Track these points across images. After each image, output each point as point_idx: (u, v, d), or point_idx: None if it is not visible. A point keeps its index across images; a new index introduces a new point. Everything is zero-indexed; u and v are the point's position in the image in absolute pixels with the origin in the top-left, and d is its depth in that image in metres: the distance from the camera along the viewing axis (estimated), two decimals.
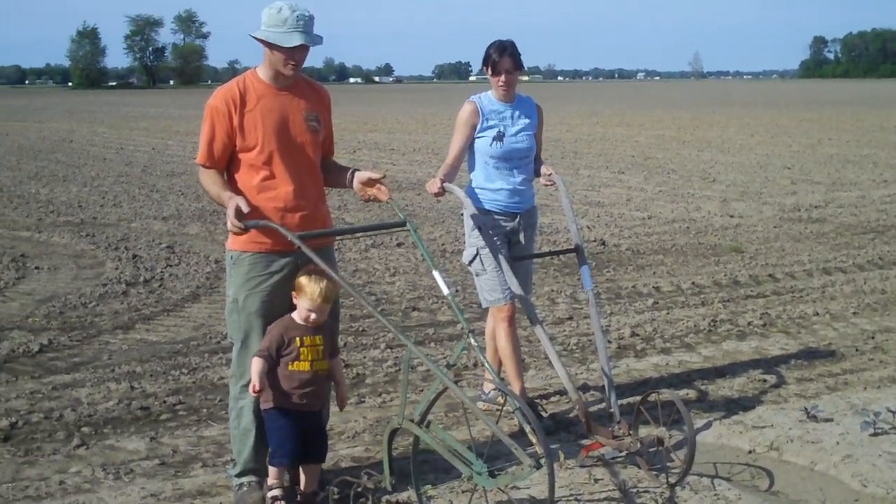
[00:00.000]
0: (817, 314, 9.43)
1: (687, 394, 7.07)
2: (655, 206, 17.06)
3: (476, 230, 6.30)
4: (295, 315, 5.07)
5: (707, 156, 26.75)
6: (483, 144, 6.43)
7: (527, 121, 6.51)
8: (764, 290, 10.57)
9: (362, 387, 7.33)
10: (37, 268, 11.74)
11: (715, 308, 9.73)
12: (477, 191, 6.48)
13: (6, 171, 23.09)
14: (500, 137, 6.40)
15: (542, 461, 4.28)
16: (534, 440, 4.40)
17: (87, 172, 22.95)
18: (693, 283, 10.87)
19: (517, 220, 6.50)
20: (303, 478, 5.24)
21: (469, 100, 6.52)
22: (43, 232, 14.51)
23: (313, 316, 5.01)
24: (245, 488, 5.30)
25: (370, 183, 5.40)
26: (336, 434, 6.31)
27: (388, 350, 8.20)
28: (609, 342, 8.39)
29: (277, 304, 5.22)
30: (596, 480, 5.56)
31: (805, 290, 10.52)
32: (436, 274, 5.05)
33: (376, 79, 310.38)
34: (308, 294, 4.99)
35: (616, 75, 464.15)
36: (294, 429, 5.07)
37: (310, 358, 5.03)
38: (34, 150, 29.56)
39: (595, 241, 13.50)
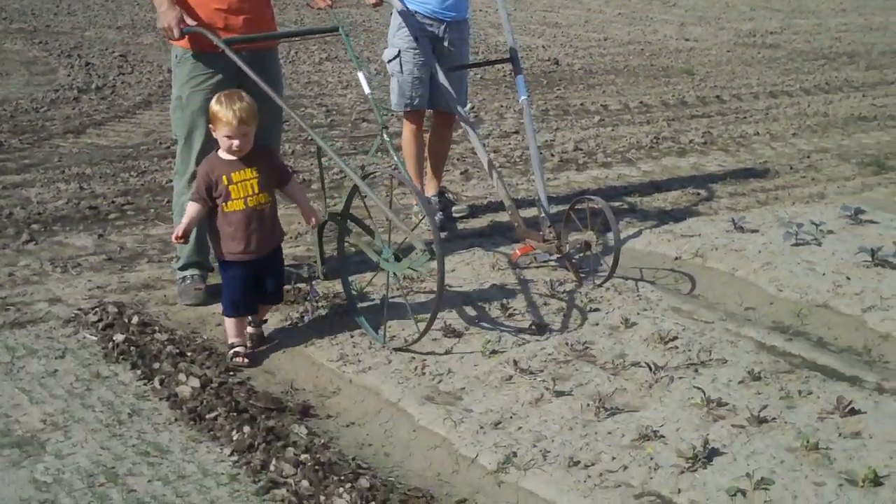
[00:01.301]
0: (758, 134, 9.64)
1: (621, 205, 7.30)
2: (613, 29, 17.04)
3: (401, 30, 6.38)
4: (220, 151, 4.78)
5: None
6: None
7: None
8: (709, 110, 10.75)
9: (308, 192, 7.48)
10: None
11: (659, 126, 9.90)
12: None
13: None
14: None
15: (434, 247, 4.57)
16: (431, 230, 4.67)
17: None
18: (641, 102, 11.02)
19: (443, 27, 6.47)
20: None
21: None
22: None
23: (235, 143, 4.65)
24: (188, 281, 5.51)
25: None
26: None
27: (340, 157, 8.31)
28: (552, 155, 8.58)
29: None
30: (526, 281, 5.80)
31: (749, 111, 10.71)
32: (360, 75, 5.27)
33: None
34: (223, 120, 4.62)
35: None
36: (244, 281, 4.81)
37: (242, 195, 4.70)
38: None
39: (549, 60, 13.54)
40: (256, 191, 4.72)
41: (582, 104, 10.83)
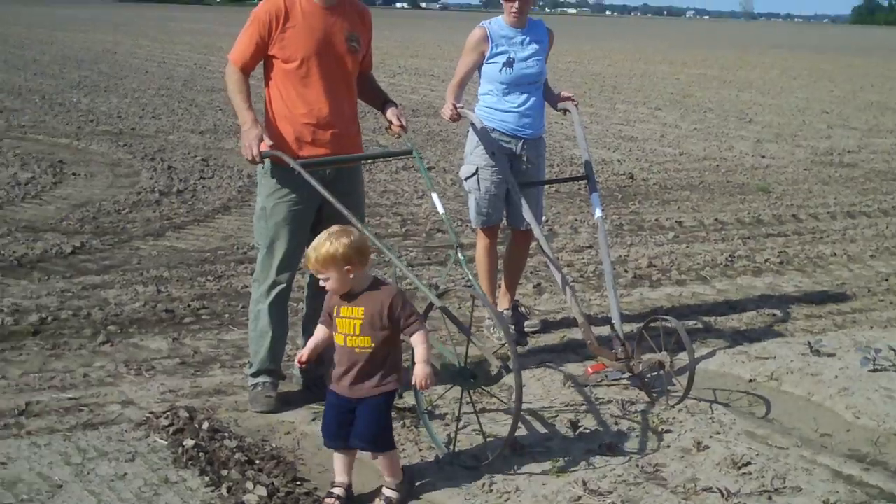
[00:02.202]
0: (835, 255, 9.54)
1: (695, 324, 7.24)
2: (688, 144, 17.09)
3: (479, 147, 6.48)
4: None
5: (746, 96, 26.63)
6: (493, 70, 6.50)
7: (537, 46, 6.53)
8: (785, 229, 10.68)
9: None
10: (74, 174, 11.98)
11: (734, 244, 9.85)
12: (486, 110, 6.59)
13: (49, 80, 23.32)
14: (510, 63, 6.46)
15: (510, 364, 4.57)
16: (506, 344, 4.66)
17: (129, 84, 23.14)
18: (716, 219, 10.99)
19: (521, 144, 6.56)
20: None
21: (479, 25, 6.57)
22: (82, 140, 14.74)
23: (321, 282, 4.42)
24: (259, 388, 5.54)
25: (390, 126, 5.67)
26: None
27: (409, 267, 8.35)
28: (626, 271, 8.56)
29: (304, 214, 5.46)
30: (598, 399, 5.75)
31: (826, 231, 10.63)
32: (433, 195, 5.34)
33: (423, 4, 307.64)
34: (306, 259, 4.43)
35: (665, 12, 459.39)
36: (334, 409, 4.51)
37: (344, 331, 4.40)
38: (77, 59, 29.75)
39: (624, 174, 13.60)
40: (357, 332, 4.37)
41: (657, 220, 10.82)
